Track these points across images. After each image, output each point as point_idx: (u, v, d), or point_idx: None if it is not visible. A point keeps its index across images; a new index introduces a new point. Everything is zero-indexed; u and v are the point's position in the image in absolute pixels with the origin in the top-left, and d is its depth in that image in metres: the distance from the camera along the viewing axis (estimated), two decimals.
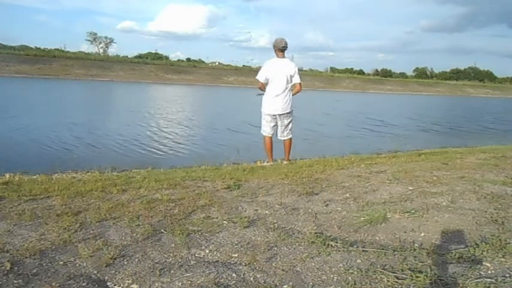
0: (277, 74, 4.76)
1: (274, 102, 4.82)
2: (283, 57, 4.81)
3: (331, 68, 76.70)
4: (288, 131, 5.00)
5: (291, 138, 5.04)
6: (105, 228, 2.29)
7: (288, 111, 4.90)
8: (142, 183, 3.35)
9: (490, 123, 18.31)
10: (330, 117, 17.09)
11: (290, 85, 4.84)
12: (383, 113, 19.97)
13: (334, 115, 18.53)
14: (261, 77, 4.84)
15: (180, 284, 1.69)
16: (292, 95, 4.91)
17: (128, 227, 2.31)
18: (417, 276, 1.71)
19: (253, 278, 1.75)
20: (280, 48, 4.77)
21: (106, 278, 1.73)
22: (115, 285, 1.68)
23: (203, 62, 62.39)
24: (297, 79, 4.81)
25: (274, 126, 4.96)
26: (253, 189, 3.26)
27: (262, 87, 4.90)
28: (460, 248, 2.05)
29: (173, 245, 2.08)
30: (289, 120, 4.98)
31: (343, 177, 3.72)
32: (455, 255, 1.94)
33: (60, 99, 19.41)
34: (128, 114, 14.20)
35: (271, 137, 4.99)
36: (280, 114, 4.89)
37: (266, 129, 4.96)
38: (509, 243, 2.08)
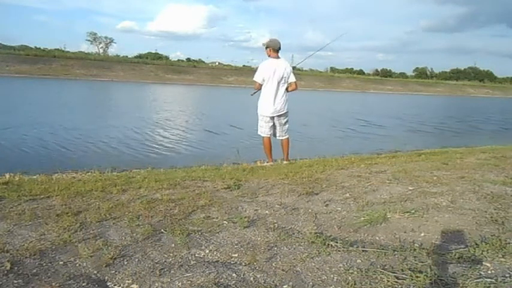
0: (273, 74, 4.76)
1: (271, 103, 4.82)
2: (278, 57, 4.84)
3: (331, 68, 76.86)
4: (285, 130, 5.03)
5: (288, 138, 5.06)
6: (105, 228, 2.29)
7: (284, 111, 4.92)
8: (142, 183, 3.35)
9: (480, 123, 18.19)
10: (316, 117, 16.53)
11: (286, 85, 4.86)
12: (374, 113, 19.76)
13: (321, 115, 17.88)
14: (258, 78, 4.85)
15: (180, 284, 1.69)
16: (288, 91, 4.94)
17: (128, 227, 2.31)
18: (417, 276, 1.71)
19: (253, 278, 1.75)
20: (276, 49, 4.80)
21: (106, 278, 1.73)
22: (115, 285, 1.68)
23: (203, 62, 62.45)
24: (292, 78, 4.86)
25: (272, 126, 4.96)
26: (253, 189, 3.26)
27: (259, 88, 4.92)
28: (460, 248, 2.05)
29: (173, 245, 2.08)
30: (285, 120, 5.01)
31: (343, 177, 3.72)
32: (455, 255, 1.94)
33: (58, 99, 19.30)
34: (116, 115, 14.12)
35: (269, 138, 4.99)
36: (277, 116, 4.90)
37: (265, 130, 4.96)
38: (509, 243, 2.08)
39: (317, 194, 3.12)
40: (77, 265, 1.83)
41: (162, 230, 2.27)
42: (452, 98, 48.26)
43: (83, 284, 1.67)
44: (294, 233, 2.28)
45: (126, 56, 53.79)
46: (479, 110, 27.84)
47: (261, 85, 4.87)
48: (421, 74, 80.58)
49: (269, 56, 4.82)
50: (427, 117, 19.55)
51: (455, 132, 14.26)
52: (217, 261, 1.92)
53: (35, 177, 3.63)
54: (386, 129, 13.94)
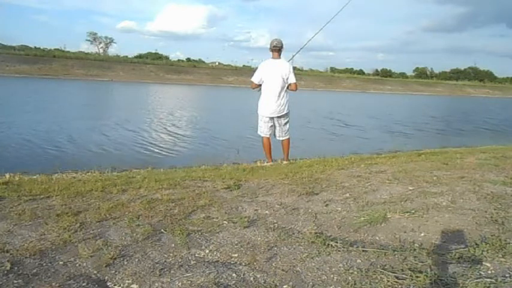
0: (272, 75, 4.75)
1: (270, 104, 4.81)
2: (279, 57, 4.81)
3: (331, 68, 76.77)
4: (285, 131, 5.01)
5: (288, 139, 5.05)
6: (105, 228, 2.29)
7: (284, 112, 4.90)
8: (142, 183, 3.35)
9: (461, 123, 18.06)
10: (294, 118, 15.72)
11: (286, 86, 4.82)
12: (359, 113, 19.57)
13: (302, 115, 16.25)
14: (255, 78, 4.86)
15: (180, 284, 1.69)
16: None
17: (128, 227, 2.31)
18: (417, 276, 1.71)
19: (253, 278, 1.75)
20: (272, 48, 4.77)
21: (106, 278, 1.73)
22: (115, 285, 1.68)
23: (203, 62, 62.41)
24: (292, 79, 4.81)
25: (271, 126, 4.95)
26: (253, 189, 3.26)
27: (256, 87, 4.92)
28: (460, 248, 2.05)
29: (173, 245, 2.09)
30: (286, 121, 4.98)
31: (343, 177, 3.72)
32: (455, 255, 1.94)
33: (54, 100, 19.15)
34: (100, 115, 14.03)
35: (269, 138, 4.98)
36: (277, 116, 4.89)
37: (263, 130, 4.96)
38: (509, 243, 2.08)
39: (317, 194, 3.12)
40: (77, 265, 1.83)
41: (162, 230, 2.27)
42: (451, 98, 48.13)
43: (83, 284, 1.67)
44: (294, 233, 2.28)
45: (126, 56, 53.79)
46: (468, 111, 27.67)
47: (257, 85, 4.87)
48: (421, 74, 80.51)
49: (272, 56, 4.81)
50: (408, 116, 19.39)
51: (433, 132, 14.10)
52: (217, 261, 1.92)
53: (35, 177, 3.63)
54: (360, 129, 13.54)
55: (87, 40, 62.92)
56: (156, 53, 60.85)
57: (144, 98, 23.47)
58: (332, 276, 1.78)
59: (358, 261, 1.92)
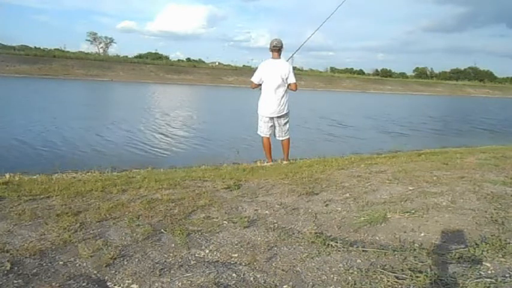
0: (272, 75, 4.75)
1: (270, 104, 4.81)
2: (278, 57, 4.81)
3: (331, 68, 76.64)
4: (285, 131, 5.01)
5: (288, 139, 5.05)
6: (105, 228, 2.29)
7: (284, 112, 4.89)
8: (142, 183, 3.35)
9: (460, 123, 18.04)
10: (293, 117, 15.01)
11: (285, 86, 4.82)
12: (356, 113, 19.50)
13: (300, 115, 15.53)
14: (255, 78, 4.86)
15: (180, 284, 1.69)
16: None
17: (128, 227, 2.31)
18: (417, 276, 1.71)
19: (253, 278, 1.75)
20: (272, 48, 4.76)
21: (106, 278, 1.73)
22: (115, 285, 1.68)
23: (203, 62, 62.34)
24: (291, 79, 4.80)
25: (271, 126, 4.95)
26: (253, 189, 3.26)
27: (255, 87, 4.92)
28: (460, 248, 2.05)
29: (173, 245, 2.09)
30: (286, 121, 4.98)
31: (343, 177, 3.72)
32: (455, 255, 1.94)
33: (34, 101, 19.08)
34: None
35: (269, 138, 4.98)
36: (277, 116, 4.89)
37: (263, 130, 4.96)
38: (509, 243, 2.08)
39: (317, 194, 3.12)
40: (77, 265, 1.83)
41: (162, 230, 2.27)
42: (451, 98, 48.05)
43: (83, 284, 1.67)
44: (294, 233, 2.28)
45: (126, 56, 53.67)
46: (471, 110, 27.62)
47: (257, 85, 4.87)
48: (421, 74, 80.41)
49: (272, 56, 4.81)
50: (407, 116, 19.31)
51: (432, 133, 14.03)
52: (217, 261, 1.92)
53: (35, 177, 3.63)
54: (360, 129, 13.37)
55: (87, 40, 62.85)
56: (156, 53, 60.83)
57: (144, 98, 23.45)
58: (332, 276, 1.78)
59: (358, 261, 1.92)
